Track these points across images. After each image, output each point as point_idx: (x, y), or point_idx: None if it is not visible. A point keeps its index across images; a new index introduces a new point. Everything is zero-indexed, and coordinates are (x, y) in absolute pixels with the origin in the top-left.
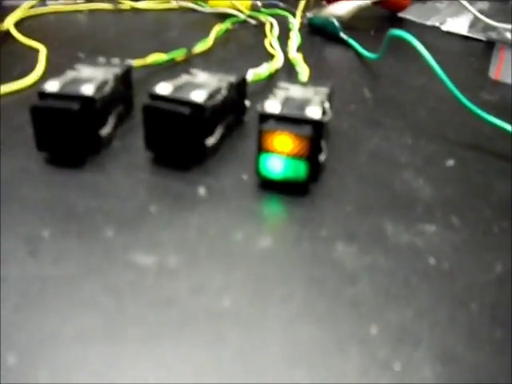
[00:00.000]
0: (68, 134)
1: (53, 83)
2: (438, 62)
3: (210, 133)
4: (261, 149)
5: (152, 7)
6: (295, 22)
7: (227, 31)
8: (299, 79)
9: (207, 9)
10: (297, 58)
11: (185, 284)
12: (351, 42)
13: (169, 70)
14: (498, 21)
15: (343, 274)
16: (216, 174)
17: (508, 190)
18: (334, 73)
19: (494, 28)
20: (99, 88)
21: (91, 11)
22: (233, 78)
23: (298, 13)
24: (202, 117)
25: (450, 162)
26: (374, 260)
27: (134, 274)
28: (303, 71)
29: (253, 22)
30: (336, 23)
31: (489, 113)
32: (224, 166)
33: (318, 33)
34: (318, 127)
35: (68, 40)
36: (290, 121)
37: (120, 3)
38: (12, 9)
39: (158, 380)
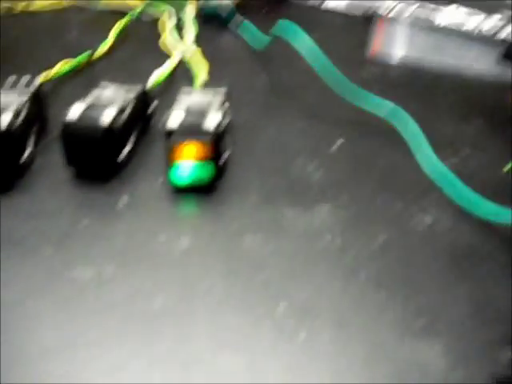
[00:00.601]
0: None
1: None
2: (318, 43)
3: (122, 147)
4: (169, 160)
5: (45, 8)
6: (189, 11)
7: (125, 29)
8: (196, 79)
9: (99, 7)
10: (193, 52)
11: (121, 291)
12: (241, 30)
13: (74, 75)
14: None
15: (253, 262)
16: (134, 183)
17: (388, 162)
18: (229, 63)
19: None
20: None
21: None
22: (138, 88)
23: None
24: (112, 137)
25: (339, 142)
26: (278, 246)
27: (77, 287)
28: (201, 68)
29: (147, 17)
30: (225, 12)
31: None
32: (139, 174)
33: (212, 21)
34: (217, 132)
35: None
36: (191, 130)
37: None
38: None
39: (108, 378)
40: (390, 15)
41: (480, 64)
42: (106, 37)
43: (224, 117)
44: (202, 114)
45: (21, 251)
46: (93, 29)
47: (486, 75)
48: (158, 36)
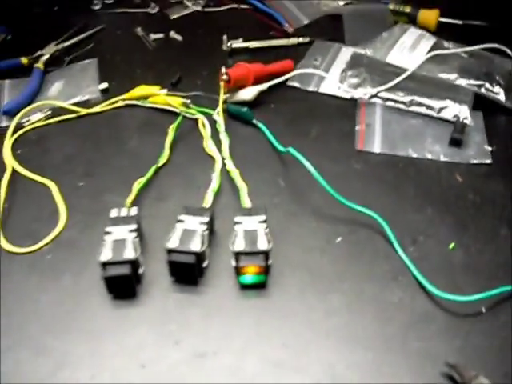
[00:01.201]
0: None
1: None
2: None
3: (204, 259)
4: (237, 271)
5: (104, 109)
6: (221, 121)
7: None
8: (242, 202)
9: (148, 104)
10: (233, 171)
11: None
12: (264, 130)
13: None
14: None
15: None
16: (211, 285)
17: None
18: (257, 167)
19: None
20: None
21: (58, 122)
22: (207, 217)
23: (220, 105)
24: (200, 259)
25: (339, 239)
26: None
27: None
28: (242, 188)
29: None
30: (248, 112)
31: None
32: (216, 276)
33: (235, 118)
34: (267, 254)
35: (62, 165)
36: (251, 254)
37: (78, 112)
38: None
39: None
40: (369, 100)
41: (436, 147)
42: (159, 138)
43: (268, 240)
44: (254, 240)
45: None
46: (148, 131)
47: (440, 157)
48: (198, 140)
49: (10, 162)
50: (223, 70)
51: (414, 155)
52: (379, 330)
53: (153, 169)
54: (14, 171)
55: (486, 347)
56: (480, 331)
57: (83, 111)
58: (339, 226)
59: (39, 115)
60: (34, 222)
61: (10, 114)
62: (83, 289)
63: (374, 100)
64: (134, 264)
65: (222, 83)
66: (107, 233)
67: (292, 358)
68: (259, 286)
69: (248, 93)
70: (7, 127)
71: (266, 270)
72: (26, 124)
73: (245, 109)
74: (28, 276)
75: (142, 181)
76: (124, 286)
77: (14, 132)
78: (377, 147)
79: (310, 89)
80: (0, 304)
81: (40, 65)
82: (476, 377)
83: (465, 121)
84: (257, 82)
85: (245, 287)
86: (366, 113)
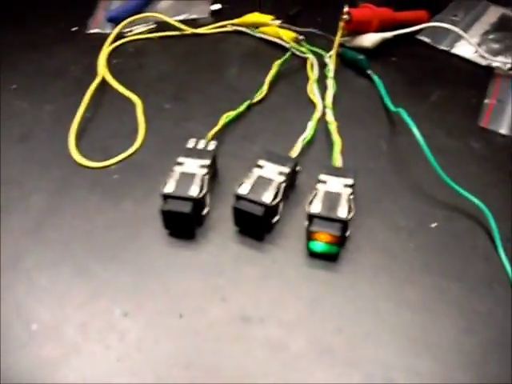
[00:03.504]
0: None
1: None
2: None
3: (275, 214)
4: (308, 236)
5: (211, 31)
6: (331, 66)
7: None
8: (333, 159)
9: (257, 34)
10: (332, 122)
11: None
12: (378, 83)
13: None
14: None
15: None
16: (278, 244)
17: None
18: (359, 124)
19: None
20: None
21: (160, 37)
22: (288, 168)
23: (335, 48)
24: (270, 213)
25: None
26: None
27: None
28: (337, 143)
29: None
30: (365, 60)
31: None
32: (285, 236)
33: (349, 65)
34: (345, 224)
35: (153, 84)
36: (326, 222)
37: (184, 30)
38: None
39: None
40: (508, 72)
41: None
42: (261, 72)
43: (350, 209)
44: (334, 205)
45: None
46: (250, 63)
47: None
48: (303, 82)
49: (102, 71)
50: (345, 8)
51: None
52: (455, 341)
53: (246, 104)
54: (103, 81)
55: None
56: None
57: (188, 30)
58: (437, 209)
59: (142, 27)
60: (110, 137)
61: (115, 21)
62: (141, 218)
63: None
64: (198, 203)
65: (341, 23)
66: (178, 163)
67: (345, 348)
68: (330, 258)
69: (369, 39)
70: (109, 35)
71: (340, 241)
72: (128, 34)
73: (361, 56)
74: (90, 192)
75: (231, 114)
76: (182, 224)
77: (114, 41)
78: (504, 128)
79: (442, 47)
80: (53, 216)
81: None
82: None
83: None
84: (382, 28)
85: (314, 255)
86: (501, 86)
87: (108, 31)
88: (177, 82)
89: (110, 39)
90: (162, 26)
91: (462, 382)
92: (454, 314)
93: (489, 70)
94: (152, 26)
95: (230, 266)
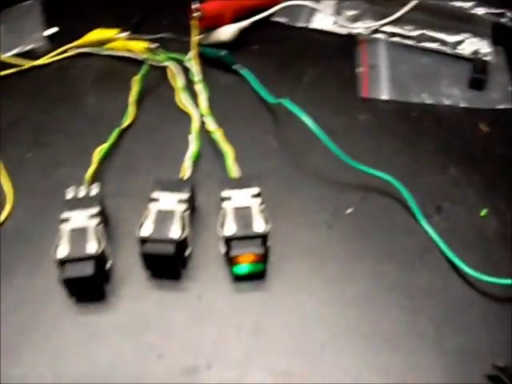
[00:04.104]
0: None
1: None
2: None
3: (186, 247)
4: (231, 261)
5: (52, 60)
6: (195, 69)
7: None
8: (229, 170)
9: (105, 52)
10: (215, 131)
11: None
12: (248, 77)
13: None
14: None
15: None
16: (197, 278)
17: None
18: (242, 125)
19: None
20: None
21: None
22: (186, 194)
23: (193, 49)
24: (181, 247)
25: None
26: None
27: None
28: (228, 152)
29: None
30: (228, 56)
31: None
32: (202, 267)
33: (211, 64)
34: (264, 238)
35: (5, 133)
36: (245, 239)
37: (21, 65)
38: None
39: None
40: (371, 36)
41: (454, 91)
42: (121, 98)
43: (266, 220)
44: (248, 221)
45: None
46: (105, 84)
47: (459, 103)
48: (169, 92)
49: None
50: (195, 5)
51: (429, 101)
52: (408, 324)
53: (116, 131)
54: None
55: None
56: None
57: (27, 64)
58: (347, 193)
59: None
60: None
61: None
62: (39, 292)
63: (377, 36)
64: (99, 259)
65: (194, 21)
66: (63, 220)
67: (305, 366)
68: (256, 276)
69: (226, 32)
70: None
71: (264, 257)
72: None
73: (223, 52)
74: None
75: (104, 148)
76: (88, 287)
77: None
78: (385, 93)
79: (299, 24)
80: None
81: None
82: None
83: (486, 58)
84: (236, 18)
85: (239, 278)
86: (369, 52)
87: None
88: (33, 126)
89: None
90: None
91: (424, 363)
92: (398, 298)
93: (351, 38)
94: None
95: (153, 318)
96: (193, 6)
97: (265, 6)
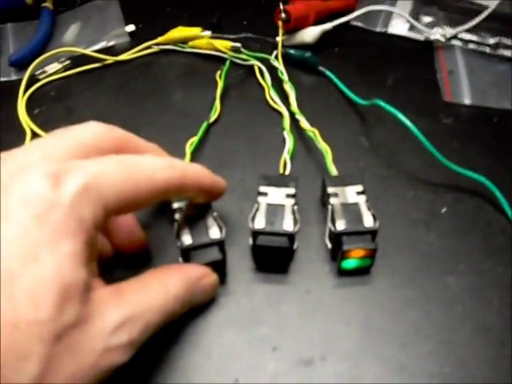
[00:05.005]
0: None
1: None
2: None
3: (295, 241)
4: (341, 255)
5: (135, 55)
6: (282, 68)
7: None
8: (329, 168)
9: (188, 49)
10: (310, 129)
11: None
12: (333, 79)
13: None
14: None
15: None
16: (303, 272)
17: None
18: (332, 125)
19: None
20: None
21: (80, 73)
22: (293, 187)
23: (279, 48)
24: (292, 241)
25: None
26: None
27: None
28: (327, 150)
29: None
30: (313, 57)
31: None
32: (307, 261)
33: (294, 65)
34: (374, 233)
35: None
36: (356, 234)
37: (104, 59)
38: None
39: None
40: (448, 42)
41: None
42: (207, 94)
43: (374, 217)
44: (358, 217)
45: None
46: (190, 81)
47: None
48: (255, 89)
49: (27, 124)
50: (281, 7)
51: (509, 107)
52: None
53: (204, 125)
54: (34, 135)
55: None
56: None
57: (110, 59)
58: (441, 193)
59: (56, 65)
60: None
61: (20, 65)
62: None
63: (453, 43)
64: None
65: (280, 23)
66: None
67: (417, 360)
68: (361, 272)
69: (310, 34)
70: (18, 81)
71: (374, 252)
72: (42, 77)
73: (308, 53)
74: None
75: (194, 141)
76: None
77: (28, 87)
78: (467, 98)
79: (378, 29)
80: None
81: (48, 4)
82: None
83: None
84: (317, 20)
85: (344, 273)
86: (446, 58)
87: (15, 78)
88: (120, 120)
89: (22, 86)
90: (78, 59)
91: None
92: (500, 293)
93: (428, 44)
94: (67, 62)
95: (265, 311)
96: (280, 8)
97: (345, 8)
